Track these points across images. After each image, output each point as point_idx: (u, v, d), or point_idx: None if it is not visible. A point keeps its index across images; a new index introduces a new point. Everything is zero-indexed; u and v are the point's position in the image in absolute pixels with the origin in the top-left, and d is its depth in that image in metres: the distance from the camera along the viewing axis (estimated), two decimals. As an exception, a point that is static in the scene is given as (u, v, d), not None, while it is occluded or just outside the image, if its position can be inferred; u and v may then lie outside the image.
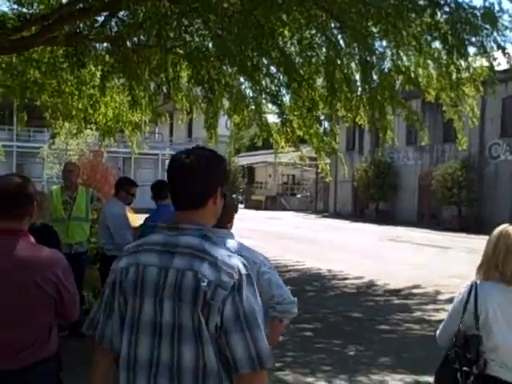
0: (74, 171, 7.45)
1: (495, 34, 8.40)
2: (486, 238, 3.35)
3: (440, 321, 3.59)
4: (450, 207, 28.43)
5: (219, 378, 1.99)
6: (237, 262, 2.03)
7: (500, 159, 27.84)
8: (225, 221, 3.31)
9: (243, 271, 2.02)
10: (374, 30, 8.93)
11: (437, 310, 9.43)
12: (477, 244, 20.42)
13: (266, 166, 51.20)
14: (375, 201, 34.31)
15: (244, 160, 51.50)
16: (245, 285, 2.00)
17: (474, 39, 8.51)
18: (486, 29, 8.30)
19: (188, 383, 2.00)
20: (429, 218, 31.10)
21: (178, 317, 2.00)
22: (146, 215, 6.55)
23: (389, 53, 9.59)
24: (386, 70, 9.76)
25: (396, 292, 11.34)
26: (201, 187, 2.13)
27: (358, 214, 36.54)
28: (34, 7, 8.71)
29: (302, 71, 9.37)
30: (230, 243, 3.16)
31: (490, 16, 8.11)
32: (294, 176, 52.91)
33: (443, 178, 28.23)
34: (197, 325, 1.97)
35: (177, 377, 2.00)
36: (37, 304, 2.68)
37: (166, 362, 2.01)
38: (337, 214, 38.57)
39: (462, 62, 9.06)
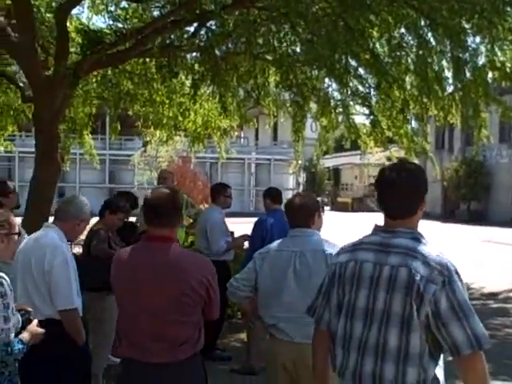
0: (169, 178, 7.67)
1: None
2: None
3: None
4: (549, 206, 27.17)
5: (420, 360, 2.34)
6: (445, 259, 2.39)
7: None
8: (308, 221, 3.79)
9: (452, 267, 2.36)
10: (467, 26, 8.64)
11: (539, 315, 9.03)
12: None
13: (352, 167, 50.66)
14: (467, 201, 33.28)
15: (329, 162, 51.19)
16: (455, 279, 2.33)
17: None
18: None
19: (390, 363, 2.36)
20: (525, 217, 29.83)
21: (389, 305, 2.38)
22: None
23: (483, 49, 9.25)
24: (479, 66, 9.42)
25: (493, 296, 10.95)
26: (413, 200, 2.51)
27: (448, 214, 35.53)
28: (128, 22, 9.04)
29: (391, 72, 9.20)
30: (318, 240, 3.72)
31: None
32: (380, 177, 52.06)
33: (540, 175, 27.01)
34: (407, 313, 2.33)
35: (381, 356, 2.38)
36: (190, 304, 2.95)
37: (373, 342, 2.41)
38: (426, 215, 37.38)
39: None
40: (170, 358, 2.93)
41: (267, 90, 10.80)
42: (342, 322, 2.53)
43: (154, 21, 8.24)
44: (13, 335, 2.87)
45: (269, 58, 9.65)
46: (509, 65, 9.47)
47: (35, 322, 3.12)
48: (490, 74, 9.84)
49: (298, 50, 9.08)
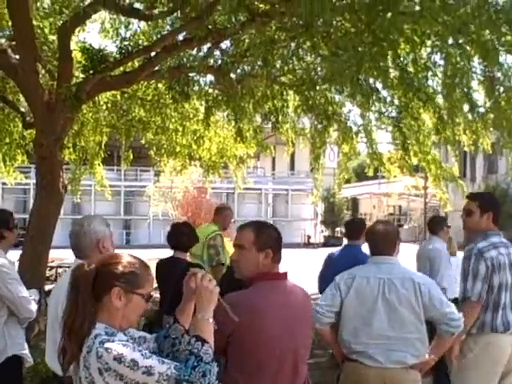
0: (229, 216, 7.02)
1: None
2: None
3: None
4: None
5: None
6: None
7: None
8: (392, 248, 3.92)
9: None
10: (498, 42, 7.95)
11: None
12: None
13: (371, 196, 49.92)
14: (491, 230, 32.31)
15: (347, 192, 50.39)
16: None
17: None
18: None
19: None
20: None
21: None
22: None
23: (516, 67, 8.55)
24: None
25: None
26: None
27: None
28: (135, 40, 8.52)
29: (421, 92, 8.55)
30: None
31: None
32: (400, 206, 51.14)
33: None
34: None
35: None
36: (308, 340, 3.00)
37: None
38: (448, 245, 36.64)
39: None
40: None
41: (285, 114, 10.21)
42: (503, 295, 4.04)
43: (163, 38, 7.69)
44: None
45: (286, 81, 9.07)
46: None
47: None
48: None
49: (318, 69, 8.48)
